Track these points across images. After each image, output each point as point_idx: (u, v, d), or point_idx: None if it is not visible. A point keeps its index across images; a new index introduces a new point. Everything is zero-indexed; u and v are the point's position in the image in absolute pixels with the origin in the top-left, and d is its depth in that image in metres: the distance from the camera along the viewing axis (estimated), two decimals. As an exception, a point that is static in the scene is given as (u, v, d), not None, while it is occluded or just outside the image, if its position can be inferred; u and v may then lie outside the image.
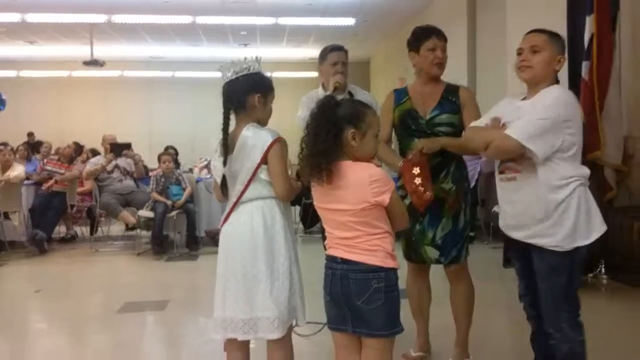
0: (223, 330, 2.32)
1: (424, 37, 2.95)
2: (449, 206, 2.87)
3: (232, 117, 2.37)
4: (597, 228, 2.32)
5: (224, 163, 2.33)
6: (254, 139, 2.27)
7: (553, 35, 2.38)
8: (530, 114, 2.27)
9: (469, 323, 3.03)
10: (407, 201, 2.82)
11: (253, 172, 2.28)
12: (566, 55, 2.49)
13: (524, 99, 2.43)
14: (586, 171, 2.33)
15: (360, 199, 1.96)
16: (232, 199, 2.36)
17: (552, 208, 2.25)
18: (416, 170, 2.66)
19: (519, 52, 2.39)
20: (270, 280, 2.26)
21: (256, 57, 2.40)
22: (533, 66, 2.34)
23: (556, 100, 2.26)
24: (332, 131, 1.97)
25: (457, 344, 3.03)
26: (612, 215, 4.65)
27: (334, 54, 3.47)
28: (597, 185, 4.52)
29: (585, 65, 4.59)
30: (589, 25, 4.58)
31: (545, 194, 2.25)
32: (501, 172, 2.42)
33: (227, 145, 2.32)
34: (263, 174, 2.28)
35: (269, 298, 2.25)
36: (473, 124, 2.61)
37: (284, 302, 2.27)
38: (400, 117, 2.98)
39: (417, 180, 2.64)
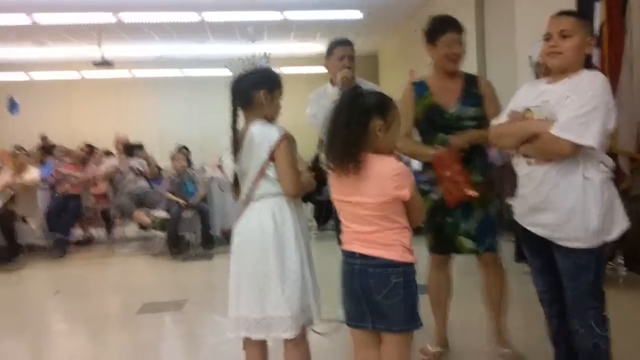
0: (237, 329, 2.34)
1: (440, 31, 2.92)
2: (481, 197, 2.84)
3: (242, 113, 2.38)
4: (621, 222, 2.26)
5: (234, 161, 2.34)
6: (260, 136, 2.27)
7: (580, 17, 2.27)
8: (575, 103, 2.15)
9: (505, 312, 3.03)
10: (434, 195, 2.81)
11: (261, 170, 2.28)
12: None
13: (548, 83, 2.33)
14: (611, 161, 2.27)
15: (381, 192, 1.95)
16: (243, 196, 2.36)
17: (590, 195, 2.17)
18: (456, 167, 2.66)
19: (547, 38, 2.27)
20: (282, 279, 2.26)
21: (264, 54, 2.40)
22: (564, 52, 2.23)
23: (601, 84, 2.18)
24: (362, 121, 1.96)
25: (497, 333, 3.04)
26: (627, 204, 4.60)
27: (340, 48, 3.44)
28: (614, 182, 4.48)
29: (596, 52, 4.55)
30: (599, 11, 4.54)
31: (582, 178, 2.18)
32: (527, 155, 2.31)
33: (237, 143, 2.32)
34: (271, 172, 2.28)
35: (281, 297, 2.25)
36: (496, 120, 2.51)
37: (297, 301, 2.26)
38: (424, 112, 2.96)
39: (459, 178, 2.65)
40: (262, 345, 2.40)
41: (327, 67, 3.48)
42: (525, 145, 2.28)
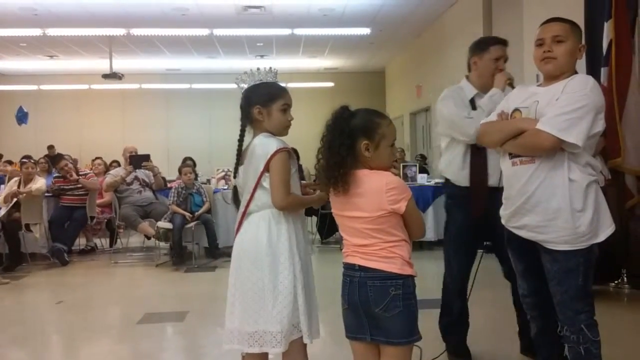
0: (231, 341, 2.33)
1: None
2: None
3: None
4: (608, 226, 2.27)
5: (234, 174, 2.38)
6: (260, 148, 2.29)
7: (573, 24, 2.32)
8: (562, 102, 2.17)
9: None
10: None
11: (257, 180, 2.29)
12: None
13: (539, 85, 2.36)
14: (600, 166, 2.30)
15: (376, 206, 1.97)
16: (242, 208, 2.37)
17: (574, 196, 2.18)
18: None
19: (540, 43, 2.29)
20: (274, 294, 2.25)
21: (270, 68, 2.41)
22: (558, 57, 2.25)
23: (592, 86, 2.20)
24: (346, 143, 1.98)
25: None
26: (634, 223, 4.58)
27: (497, 48, 3.08)
28: (618, 192, 4.47)
29: (604, 71, 4.56)
30: (607, 31, 4.55)
31: (567, 179, 2.19)
32: (514, 156, 2.32)
33: (239, 157, 2.36)
34: (266, 182, 2.29)
35: (271, 312, 2.24)
36: (485, 120, 2.53)
37: (287, 316, 2.25)
38: None
39: None
40: (263, 357, 2.38)
41: (474, 64, 3.11)
42: (509, 142, 2.29)
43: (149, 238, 7.31)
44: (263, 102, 2.33)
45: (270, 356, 2.40)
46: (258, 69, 2.41)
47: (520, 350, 3.24)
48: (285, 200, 2.27)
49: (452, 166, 3.06)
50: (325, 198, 2.39)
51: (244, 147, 2.40)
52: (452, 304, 3.25)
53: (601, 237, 2.25)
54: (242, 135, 2.38)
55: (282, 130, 2.39)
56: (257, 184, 2.30)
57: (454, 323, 3.26)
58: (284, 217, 2.32)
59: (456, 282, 3.22)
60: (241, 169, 2.39)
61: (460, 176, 3.01)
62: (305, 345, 2.33)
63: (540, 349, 2.58)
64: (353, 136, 1.99)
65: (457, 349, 3.23)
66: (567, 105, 2.16)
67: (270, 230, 2.29)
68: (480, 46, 3.08)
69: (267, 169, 2.27)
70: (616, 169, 4.45)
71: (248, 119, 2.37)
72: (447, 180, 3.20)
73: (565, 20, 2.31)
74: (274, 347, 2.24)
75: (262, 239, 2.28)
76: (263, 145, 2.29)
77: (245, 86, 2.39)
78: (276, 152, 2.26)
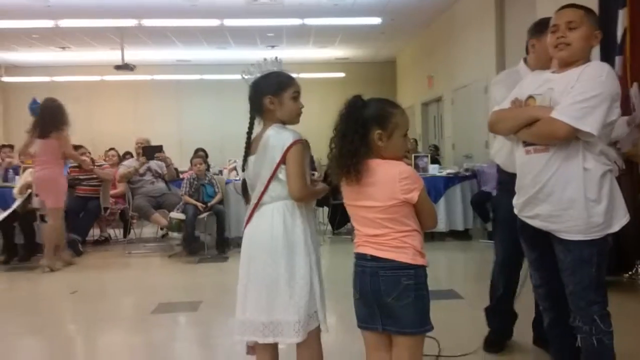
0: (244, 332, 2.34)
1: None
2: None
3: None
4: (623, 216, 2.25)
5: (242, 166, 2.38)
6: (275, 139, 2.29)
7: (588, 10, 2.28)
8: (577, 89, 2.14)
9: None
10: None
11: (273, 172, 2.29)
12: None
13: (553, 72, 2.33)
14: (615, 155, 2.26)
15: (389, 195, 1.97)
16: (254, 199, 2.37)
17: (588, 186, 2.17)
18: None
19: (554, 30, 2.27)
20: (290, 284, 2.26)
21: (276, 58, 2.41)
22: (571, 43, 2.22)
23: (608, 74, 2.17)
24: (359, 132, 1.99)
25: None
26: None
27: None
28: (632, 182, 4.42)
29: (618, 60, 4.50)
30: (622, 19, 4.49)
31: (582, 168, 2.17)
32: (528, 144, 2.30)
33: (248, 148, 2.36)
34: (282, 174, 2.29)
35: (289, 302, 2.25)
36: (497, 107, 2.49)
37: (304, 306, 2.26)
38: None
39: None
40: (273, 348, 2.39)
41: (532, 46, 2.98)
42: (523, 130, 2.27)
43: (162, 229, 7.36)
44: (274, 91, 2.33)
45: (280, 346, 2.41)
46: (265, 59, 2.41)
47: (532, 341, 3.24)
48: (303, 192, 2.29)
49: (501, 152, 3.02)
50: (327, 189, 2.42)
51: (251, 138, 2.40)
52: (495, 290, 3.26)
53: (615, 228, 2.23)
54: (251, 127, 2.38)
55: (294, 118, 2.39)
56: (273, 176, 2.29)
57: (494, 310, 3.29)
58: (298, 208, 2.32)
59: (502, 268, 3.21)
60: (251, 160, 2.38)
61: (509, 162, 2.97)
62: (320, 334, 2.35)
63: (552, 340, 2.57)
64: (367, 125, 2.00)
65: (488, 338, 3.27)
66: (582, 93, 2.13)
67: (286, 221, 2.29)
68: (539, 28, 2.92)
69: (283, 160, 2.27)
70: (630, 159, 4.40)
71: (258, 110, 2.37)
72: (498, 166, 3.18)
73: (579, 6, 2.28)
74: (292, 337, 2.25)
75: (278, 230, 2.28)
76: (278, 137, 2.29)
77: (251, 77, 2.38)
78: (293, 143, 2.26)
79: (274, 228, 2.29)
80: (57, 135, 6.05)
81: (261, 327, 2.28)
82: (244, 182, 2.47)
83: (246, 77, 2.40)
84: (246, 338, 2.35)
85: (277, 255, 2.27)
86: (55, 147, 6.05)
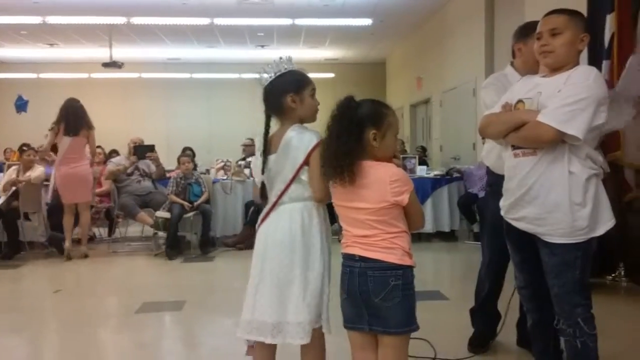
0: (250, 332, 2.31)
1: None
2: None
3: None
4: (608, 220, 2.27)
5: (262, 169, 2.33)
6: (298, 140, 2.26)
7: (573, 14, 2.27)
8: (564, 94, 2.15)
9: None
10: None
11: (295, 173, 2.27)
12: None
13: (543, 76, 2.34)
14: (602, 160, 2.27)
15: (380, 198, 1.98)
16: (272, 198, 2.35)
17: (573, 189, 2.18)
18: None
19: (539, 37, 2.29)
20: (304, 285, 2.24)
21: (288, 57, 2.39)
22: (555, 50, 2.24)
23: (595, 78, 2.18)
24: (354, 132, 1.99)
25: None
26: (632, 216, 4.59)
27: None
28: (616, 185, 4.46)
29: (605, 64, 4.53)
30: (610, 23, 4.52)
31: (567, 172, 2.18)
32: (516, 147, 2.31)
33: (267, 149, 2.33)
34: (304, 175, 2.27)
35: (302, 303, 2.23)
36: (488, 111, 2.51)
37: (315, 307, 2.25)
38: None
39: None
40: (273, 348, 2.38)
41: (519, 50, 3.02)
42: (511, 134, 2.28)
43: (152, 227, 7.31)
44: (296, 89, 2.32)
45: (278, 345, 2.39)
46: (280, 57, 2.38)
47: (516, 342, 3.25)
48: (327, 193, 2.26)
49: (492, 154, 3.03)
50: None
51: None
52: (480, 291, 3.27)
53: (600, 231, 2.24)
54: (268, 127, 2.35)
55: (313, 115, 2.38)
56: (295, 177, 2.27)
57: (478, 311, 3.31)
58: (316, 209, 2.31)
59: (488, 269, 3.22)
60: (271, 159, 2.33)
61: (499, 164, 2.98)
62: (324, 335, 2.33)
63: (536, 341, 2.58)
64: (361, 125, 2.00)
65: (472, 338, 3.29)
66: (568, 97, 2.14)
67: (304, 222, 2.28)
68: (524, 32, 2.97)
69: (306, 162, 2.24)
70: (615, 162, 4.44)
71: (278, 109, 2.33)
72: (488, 168, 3.18)
73: (563, 11, 2.28)
74: (301, 338, 2.23)
75: (297, 230, 2.26)
76: (301, 138, 2.26)
77: (267, 77, 2.35)
78: (317, 145, 2.22)
79: (292, 228, 2.27)
80: (86, 133, 6.50)
81: (269, 328, 2.26)
82: (263, 185, 2.41)
83: (265, 76, 2.35)
84: (253, 338, 2.32)
85: (294, 257, 2.25)
86: (83, 144, 6.52)
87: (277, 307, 2.25)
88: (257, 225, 2.41)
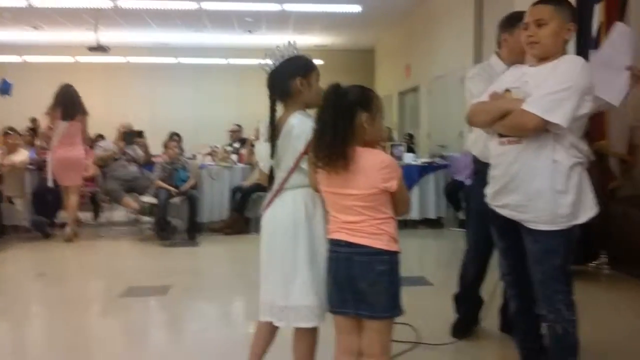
0: (265, 314, 2.34)
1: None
2: None
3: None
4: (591, 208, 2.29)
5: (272, 154, 2.33)
6: (299, 128, 2.25)
7: (559, 3, 2.27)
8: (549, 83, 2.17)
9: None
10: None
11: (296, 162, 2.27)
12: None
13: (530, 66, 2.36)
14: (586, 149, 2.28)
15: (370, 184, 1.99)
16: (276, 186, 2.35)
17: (556, 177, 2.20)
18: None
19: (525, 28, 2.30)
20: (310, 268, 2.25)
21: (292, 42, 2.38)
22: (541, 41, 2.25)
23: (582, 68, 2.19)
24: (346, 117, 1.99)
25: None
26: (614, 205, 4.64)
27: None
28: (600, 174, 4.50)
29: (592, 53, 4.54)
30: (598, 13, 4.54)
31: (551, 160, 2.20)
32: (503, 136, 2.33)
33: (275, 135, 2.31)
34: (304, 164, 2.26)
35: (309, 286, 2.23)
36: (477, 99, 2.52)
37: (322, 290, 2.24)
38: None
39: None
40: (273, 330, 2.41)
41: (504, 40, 3.02)
42: (497, 122, 2.30)
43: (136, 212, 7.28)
44: (304, 72, 2.32)
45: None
46: (289, 42, 2.37)
47: (499, 328, 3.28)
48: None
49: (478, 142, 3.03)
50: None
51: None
52: (464, 277, 3.30)
53: (582, 219, 2.26)
54: (274, 111, 2.33)
55: (319, 99, 2.32)
56: (296, 166, 2.27)
57: (462, 297, 3.34)
58: (318, 196, 2.30)
59: (473, 256, 3.25)
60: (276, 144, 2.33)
61: (486, 152, 2.98)
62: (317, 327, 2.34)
63: (517, 327, 2.62)
64: (353, 110, 2.00)
65: (455, 324, 3.31)
66: (553, 85, 2.16)
67: (307, 207, 2.28)
68: (510, 22, 2.99)
69: (307, 151, 2.22)
70: (600, 151, 4.48)
71: (284, 93, 2.32)
72: (474, 156, 3.19)
73: (550, 0, 2.27)
74: (311, 320, 2.25)
75: (300, 214, 2.27)
76: (301, 126, 2.25)
77: (272, 63, 2.34)
78: None
79: (296, 213, 2.28)
80: (81, 117, 6.64)
81: (277, 310, 2.29)
82: (271, 171, 2.40)
83: (272, 61, 2.34)
84: (262, 319, 2.36)
85: (299, 240, 2.26)
86: (79, 129, 6.62)
87: (283, 291, 2.27)
88: (261, 211, 2.42)
